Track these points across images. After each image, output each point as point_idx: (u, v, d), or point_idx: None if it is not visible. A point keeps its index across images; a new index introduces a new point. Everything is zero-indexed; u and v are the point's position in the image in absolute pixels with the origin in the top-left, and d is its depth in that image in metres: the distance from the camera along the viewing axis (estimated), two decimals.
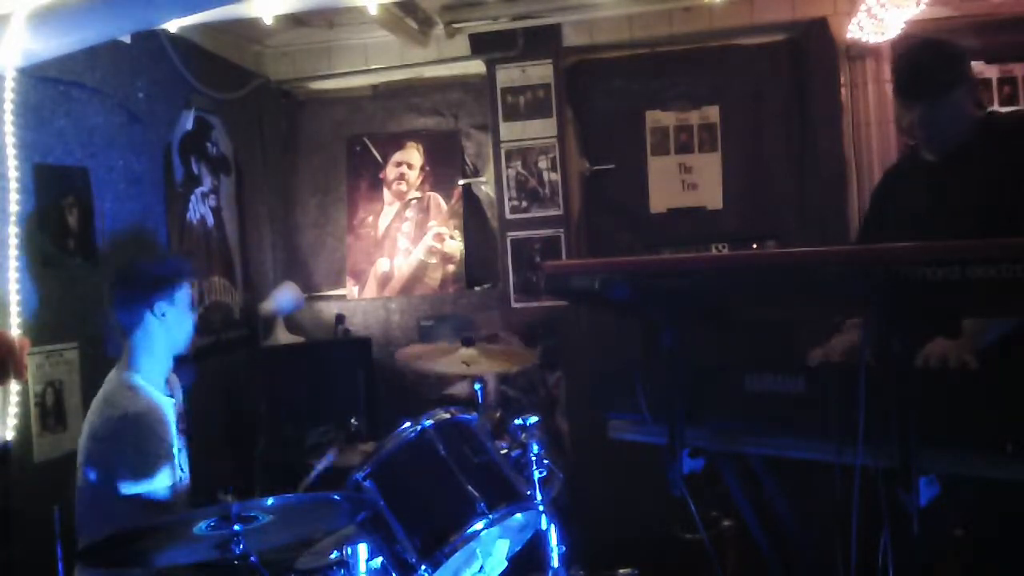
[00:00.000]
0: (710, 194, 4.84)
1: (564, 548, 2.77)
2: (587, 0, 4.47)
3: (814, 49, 4.60)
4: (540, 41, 4.70)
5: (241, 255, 4.64)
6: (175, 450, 2.75)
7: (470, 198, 5.06)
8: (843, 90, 4.55)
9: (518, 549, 2.73)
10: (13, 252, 2.93)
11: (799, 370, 2.15)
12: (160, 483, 2.64)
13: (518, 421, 2.81)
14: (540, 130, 4.75)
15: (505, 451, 2.74)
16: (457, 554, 2.41)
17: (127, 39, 3.63)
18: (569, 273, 2.44)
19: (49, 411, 3.09)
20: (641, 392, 2.36)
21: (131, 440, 2.63)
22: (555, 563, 2.75)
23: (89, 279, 3.30)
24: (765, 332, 2.40)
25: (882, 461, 1.89)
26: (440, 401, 4.29)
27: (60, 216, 3.23)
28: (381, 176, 5.13)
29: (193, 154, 4.21)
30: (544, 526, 2.71)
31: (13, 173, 2.94)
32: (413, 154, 5.11)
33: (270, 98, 5.04)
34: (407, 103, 5.14)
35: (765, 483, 2.52)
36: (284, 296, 4.79)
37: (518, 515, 2.59)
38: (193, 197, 4.18)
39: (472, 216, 5.05)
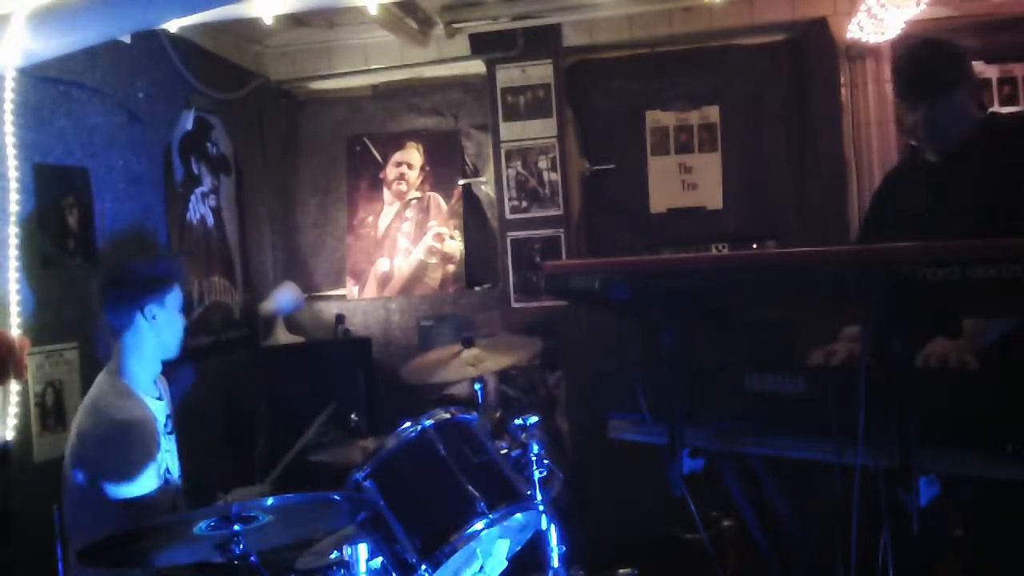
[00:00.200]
0: (710, 194, 4.84)
1: (564, 548, 2.77)
2: (587, 0, 4.47)
3: (814, 49, 4.60)
4: (540, 41, 4.70)
5: (241, 255, 4.64)
6: (162, 452, 2.75)
7: (470, 198, 5.06)
8: (843, 90, 4.55)
9: (518, 549, 2.73)
10: (13, 252, 2.93)
11: (799, 370, 2.15)
12: (144, 485, 2.64)
13: (518, 421, 2.81)
14: (540, 130, 4.75)
15: (505, 451, 2.74)
16: (457, 554, 2.41)
17: (127, 39, 3.63)
18: (569, 273, 2.45)
19: (49, 411, 3.09)
20: (641, 392, 2.36)
21: (117, 446, 2.63)
22: (555, 563, 2.75)
23: (89, 279, 3.29)
24: (765, 332, 2.40)
25: (882, 461, 1.89)
26: (440, 401, 4.29)
27: (60, 216, 3.23)
28: (381, 176, 5.13)
29: (193, 154, 4.21)
30: (544, 526, 2.71)
31: (13, 173, 2.94)
32: (413, 154, 5.11)
33: (270, 98, 5.04)
34: (407, 103, 5.14)
35: (765, 483, 2.52)
36: (284, 296, 4.79)
37: (518, 515, 2.59)
38: (193, 197, 4.18)
39: (472, 216, 5.05)
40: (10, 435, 2.86)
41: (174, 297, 2.83)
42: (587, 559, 3.19)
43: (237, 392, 4.40)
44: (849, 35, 4.30)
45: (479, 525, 2.40)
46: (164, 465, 2.77)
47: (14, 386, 2.85)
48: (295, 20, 4.60)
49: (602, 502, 4.33)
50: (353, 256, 5.11)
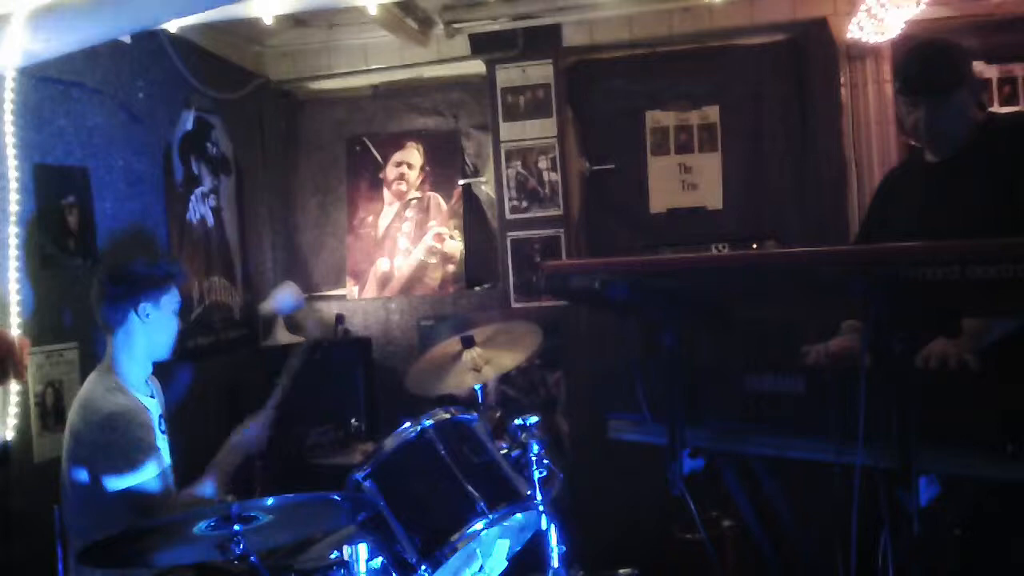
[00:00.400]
0: (710, 194, 4.84)
1: (564, 548, 2.77)
2: (587, 0, 4.47)
3: (814, 49, 4.60)
4: (540, 41, 4.70)
5: (241, 255, 4.64)
6: (159, 447, 2.75)
7: (470, 198, 5.06)
8: (843, 90, 4.55)
9: (518, 549, 2.73)
10: (13, 252, 2.93)
11: (799, 370, 2.16)
12: (146, 475, 2.64)
13: (518, 421, 2.81)
14: (540, 130, 4.75)
15: (505, 451, 2.74)
16: (457, 554, 2.41)
17: (127, 39, 3.63)
18: (569, 273, 2.45)
19: (49, 411, 3.08)
20: (641, 392, 2.36)
21: (113, 438, 2.63)
22: (555, 563, 2.75)
23: (89, 279, 3.28)
24: (765, 332, 2.40)
25: (882, 461, 1.89)
26: (440, 401, 4.28)
27: (60, 216, 3.23)
28: (381, 176, 5.13)
29: (193, 154, 4.21)
30: (544, 526, 2.71)
31: (13, 173, 2.94)
32: (413, 154, 5.11)
33: (270, 98, 5.04)
34: (407, 103, 5.14)
35: (765, 483, 2.53)
36: (284, 296, 4.79)
37: (518, 515, 2.60)
38: (193, 197, 4.18)
39: (472, 216, 5.05)
40: (10, 435, 2.86)
41: (170, 299, 2.85)
42: (587, 559, 3.19)
43: (237, 392, 4.40)
44: (849, 35, 4.30)
45: (479, 525, 2.40)
46: (164, 460, 2.77)
47: (14, 386, 2.85)
48: (295, 20, 4.60)
49: (602, 502, 4.33)
50: (353, 256, 5.11)
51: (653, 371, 2.31)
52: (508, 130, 4.78)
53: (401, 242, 5.06)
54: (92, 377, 2.81)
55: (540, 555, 2.76)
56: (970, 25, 4.38)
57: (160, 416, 2.88)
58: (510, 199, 4.79)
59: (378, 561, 2.46)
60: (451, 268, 5.00)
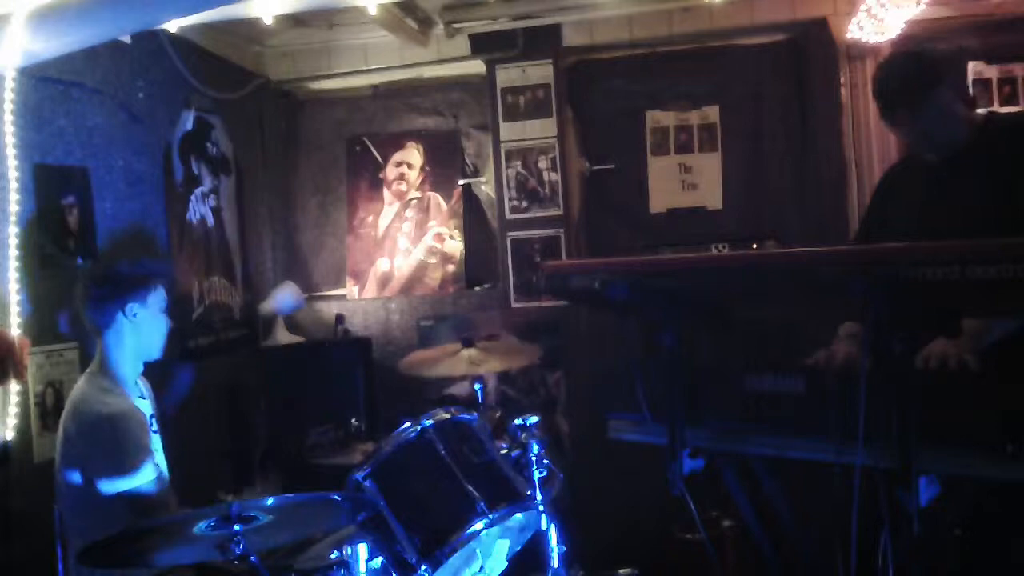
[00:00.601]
0: (710, 194, 4.84)
1: (564, 548, 2.76)
2: (587, 0, 4.47)
3: (814, 49, 4.60)
4: (540, 41, 4.70)
5: (241, 255, 4.63)
6: (153, 449, 2.75)
7: (470, 198, 5.06)
8: (843, 90, 4.55)
9: (518, 549, 2.73)
10: (13, 252, 2.93)
11: (799, 370, 2.16)
12: (143, 478, 2.64)
13: (518, 421, 2.81)
14: (540, 130, 4.75)
15: (505, 451, 2.74)
16: (457, 554, 2.41)
17: (127, 39, 3.63)
18: (569, 273, 2.45)
19: (49, 411, 3.08)
20: (641, 392, 2.36)
21: (107, 440, 2.63)
22: (555, 563, 2.74)
23: None
24: (765, 332, 2.40)
25: (882, 461, 1.89)
26: (440, 401, 4.29)
27: (60, 216, 3.23)
28: (381, 176, 5.13)
29: (193, 154, 4.21)
30: (544, 526, 2.71)
31: (13, 173, 2.94)
32: (413, 154, 5.11)
33: (270, 98, 5.04)
34: (407, 103, 5.14)
35: (765, 483, 2.53)
36: (284, 296, 4.79)
37: (518, 515, 2.59)
38: (193, 197, 4.18)
39: (472, 216, 5.05)
40: (10, 435, 2.86)
41: (157, 297, 2.83)
42: (587, 559, 3.19)
43: (237, 392, 4.40)
44: (849, 35, 4.30)
45: (479, 525, 2.40)
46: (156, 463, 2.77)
47: (14, 386, 2.85)
48: (295, 20, 4.60)
49: (602, 502, 4.32)
50: (353, 256, 5.11)
51: (653, 371, 2.31)
52: (508, 130, 4.78)
53: (401, 242, 5.06)
54: (83, 379, 2.80)
55: (540, 555, 2.75)
56: (970, 25, 4.38)
57: (151, 416, 2.88)
58: (510, 199, 4.79)
59: (378, 561, 2.46)
60: (451, 268, 5.00)
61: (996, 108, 4.43)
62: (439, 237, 5.02)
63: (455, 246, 5.01)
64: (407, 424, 2.53)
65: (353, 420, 4.30)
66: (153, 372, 2.95)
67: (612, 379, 2.51)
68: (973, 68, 4.47)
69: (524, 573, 2.80)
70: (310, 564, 2.58)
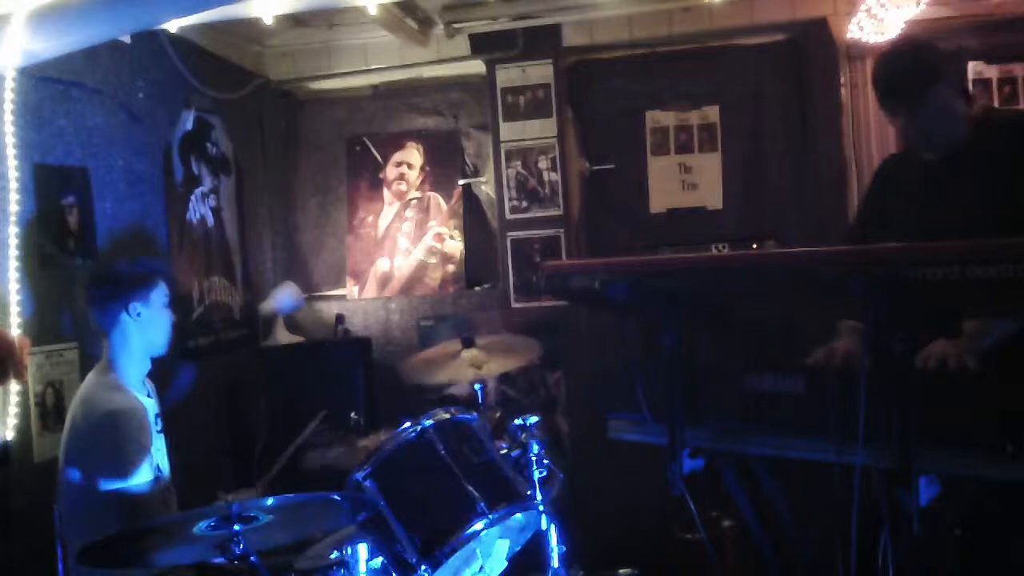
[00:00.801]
0: (710, 194, 4.84)
1: (564, 548, 2.77)
2: (587, 0, 4.47)
3: (814, 49, 4.60)
4: (540, 41, 4.70)
5: (241, 255, 4.64)
6: (154, 449, 2.76)
7: (470, 198, 5.06)
8: (843, 90, 4.55)
9: (518, 549, 2.73)
10: (13, 252, 2.93)
11: (799, 370, 2.15)
12: (140, 479, 2.65)
13: (518, 421, 2.81)
14: (540, 130, 4.75)
15: (505, 451, 2.74)
16: (457, 554, 2.41)
17: (127, 39, 3.63)
18: (569, 273, 2.45)
19: (49, 411, 3.08)
20: (641, 392, 2.36)
21: (110, 438, 2.64)
22: (555, 563, 2.75)
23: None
24: (765, 332, 2.40)
25: (882, 461, 1.89)
26: (440, 401, 4.29)
27: (60, 216, 3.23)
28: (381, 176, 5.13)
29: (193, 154, 4.21)
30: (544, 526, 2.71)
31: (13, 173, 2.94)
32: (413, 154, 5.11)
33: (270, 98, 5.04)
34: (407, 103, 5.14)
35: (765, 483, 2.53)
36: (284, 296, 4.79)
37: (518, 515, 2.60)
38: (193, 197, 4.18)
39: (472, 216, 5.05)
40: (10, 435, 2.87)
41: (159, 294, 2.85)
42: (587, 559, 3.20)
43: (237, 392, 4.40)
44: (849, 35, 4.30)
45: (479, 525, 2.40)
46: (156, 461, 2.78)
47: (14, 386, 2.85)
48: (295, 20, 4.60)
49: (602, 502, 4.32)
50: (353, 256, 5.11)
51: (653, 371, 2.31)
52: (508, 130, 4.78)
53: (401, 242, 5.06)
54: (91, 375, 2.82)
55: (540, 555, 2.75)
56: (970, 25, 4.38)
57: (156, 415, 2.88)
58: (510, 199, 4.79)
59: (378, 561, 2.46)
60: (451, 268, 5.00)
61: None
62: (439, 237, 5.02)
63: (455, 246, 5.01)
64: (407, 424, 2.53)
65: (352, 414, 4.30)
66: (153, 372, 2.95)
67: (612, 379, 2.51)
68: (973, 68, 4.47)
69: (524, 573, 2.80)
70: (310, 564, 2.59)
